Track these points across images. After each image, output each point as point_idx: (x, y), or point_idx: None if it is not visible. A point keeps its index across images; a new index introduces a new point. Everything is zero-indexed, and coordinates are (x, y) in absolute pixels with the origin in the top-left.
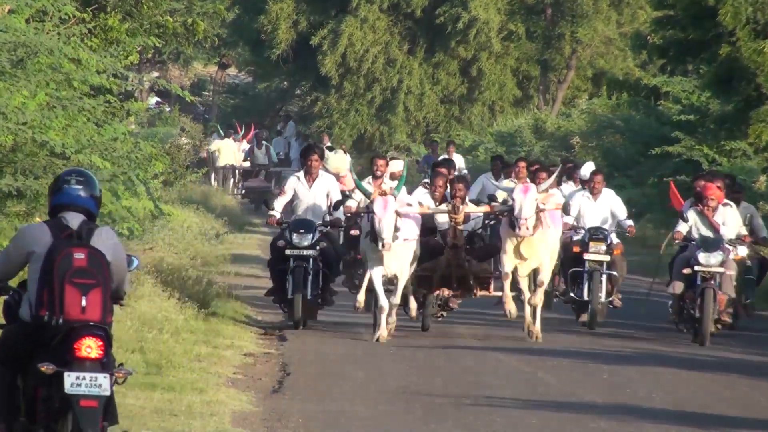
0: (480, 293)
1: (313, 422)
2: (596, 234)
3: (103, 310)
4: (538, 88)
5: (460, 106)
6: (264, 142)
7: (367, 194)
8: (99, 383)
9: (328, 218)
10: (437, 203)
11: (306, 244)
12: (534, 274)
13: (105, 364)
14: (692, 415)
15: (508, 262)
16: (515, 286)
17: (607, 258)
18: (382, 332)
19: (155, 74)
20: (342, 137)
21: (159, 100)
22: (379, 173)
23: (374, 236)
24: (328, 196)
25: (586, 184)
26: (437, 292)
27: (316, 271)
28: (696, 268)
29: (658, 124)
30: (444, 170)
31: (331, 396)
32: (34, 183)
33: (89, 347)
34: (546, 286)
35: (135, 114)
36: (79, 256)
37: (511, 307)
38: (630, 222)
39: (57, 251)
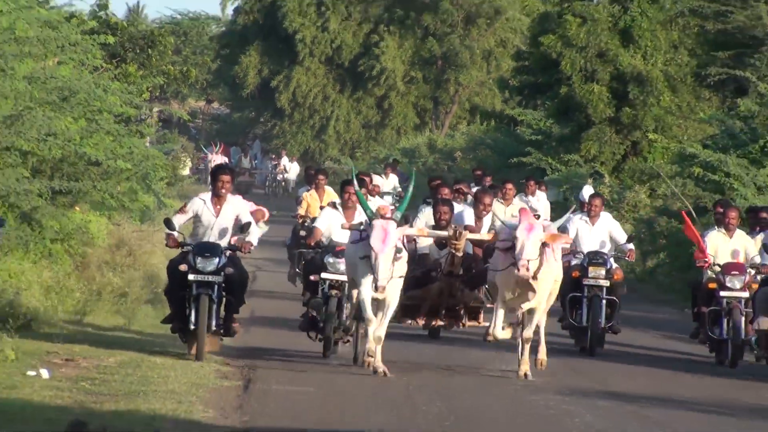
0: (469, 324)
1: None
2: (595, 258)
3: None
4: (431, 117)
5: (376, 130)
6: (249, 154)
7: (369, 214)
8: None
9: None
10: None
11: (211, 269)
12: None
13: None
14: None
15: (503, 304)
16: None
17: (607, 283)
18: (371, 345)
19: (161, 107)
20: (292, 151)
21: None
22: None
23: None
24: (236, 221)
25: (585, 207)
26: (421, 321)
27: (219, 300)
28: None
29: (516, 143)
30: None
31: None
32: (76, 184)
33: None
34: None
35: (147, 135)
36: None
37: (498, 333)
38: (630, 246)
39: None
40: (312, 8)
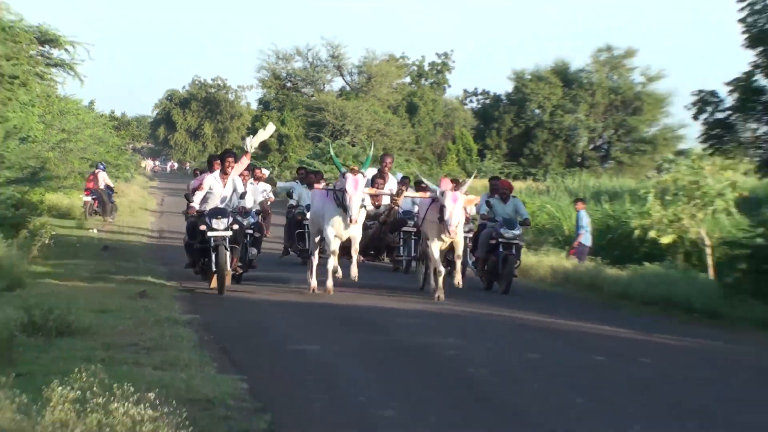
0: (386, 258)
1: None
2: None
3: (95, 184)
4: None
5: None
6: (157, 161)
7: (341, 171)
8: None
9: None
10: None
11: (223, 227)
12: (452, 251)
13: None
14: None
15: (436, 247)
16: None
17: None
18: (328, 281)
19: (133, 144)
20: (176, 159)
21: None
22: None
23: (345, 206)
24: (235, 190)
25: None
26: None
27: (232, 250)
28: (500, 240)
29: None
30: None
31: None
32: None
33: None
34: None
35: (126, 153)
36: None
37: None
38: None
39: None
40: (181, 117)
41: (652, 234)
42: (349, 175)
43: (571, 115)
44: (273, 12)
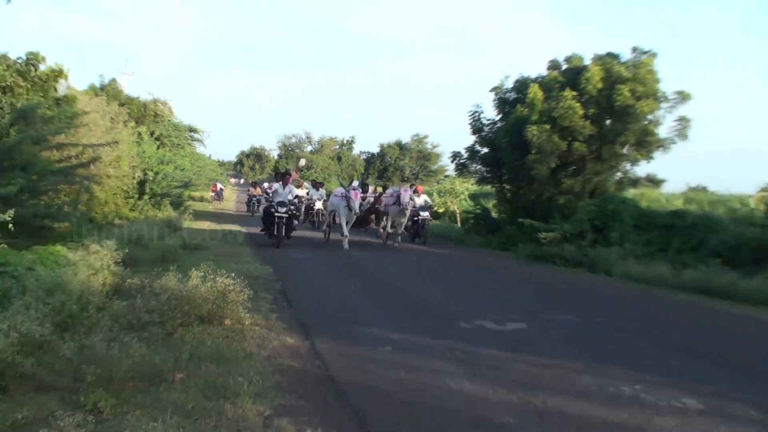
0: (371, 227)
1: None
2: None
3: (215, 188)
4: None
5: None
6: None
7: (346, 188)
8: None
9: (291, 198)
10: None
11: (283, 211)
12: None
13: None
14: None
15: (391, 221)
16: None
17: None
18: (345, 242)
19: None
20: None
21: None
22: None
23: (350, 206)
24: (290, 193)
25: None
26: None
27: (286, 225)
28: (418, 217)
29: None
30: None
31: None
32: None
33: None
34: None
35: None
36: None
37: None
38: None
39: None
40: (246, 161)
41: (435, 208)
42: (351, 191)
43: (402, 161)
44: (284, 119)
